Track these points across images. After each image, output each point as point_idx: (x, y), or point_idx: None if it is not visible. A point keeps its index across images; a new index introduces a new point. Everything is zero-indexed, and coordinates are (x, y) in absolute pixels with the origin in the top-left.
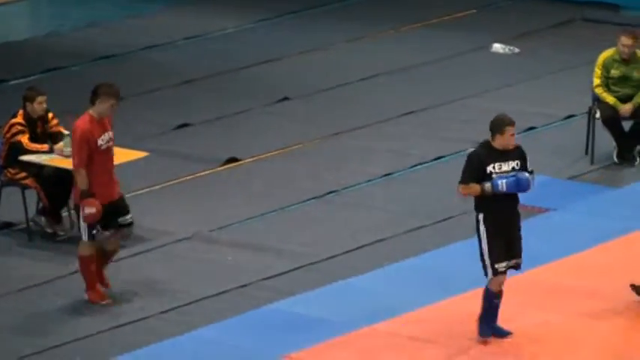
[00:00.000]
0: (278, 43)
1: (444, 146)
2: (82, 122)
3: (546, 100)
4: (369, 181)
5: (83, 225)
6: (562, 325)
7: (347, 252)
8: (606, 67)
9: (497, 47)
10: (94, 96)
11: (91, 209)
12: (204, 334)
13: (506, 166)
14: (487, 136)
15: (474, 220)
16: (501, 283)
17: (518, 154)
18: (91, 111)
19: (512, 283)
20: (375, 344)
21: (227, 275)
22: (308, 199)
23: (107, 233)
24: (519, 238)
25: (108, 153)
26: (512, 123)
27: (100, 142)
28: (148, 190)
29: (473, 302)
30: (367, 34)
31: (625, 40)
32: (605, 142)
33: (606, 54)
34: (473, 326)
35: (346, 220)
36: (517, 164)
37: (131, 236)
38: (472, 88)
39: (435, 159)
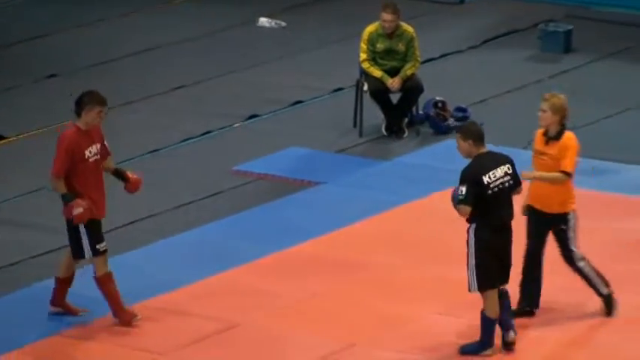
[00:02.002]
0: (49, 18)
1: (213, 121)
2: (70, 132)
3: (314, 73)
4: (140, 156)
5: (85, 242)
6: (331, 298)
7: (117, 228)
8: (372, 42)
9: (264, 21)
10: (79, 107)
11: (78, 209)
12: None
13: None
14: (254, 110)
15: (240, 194)
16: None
17: None
18: (77, 122)
19: (283, 258)
20: (147, 320)
21: None
22: None
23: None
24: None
25: (97, 166)
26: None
27: (87, 154)
28: None
29: (246, 276)
30: (139, 9)
31: (385, 16)
32: (374, 115)
33: (370, 28)
34: (246, 300)
35: (115, 195)
36: None
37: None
38: (240, 62)
39: (204, 134)
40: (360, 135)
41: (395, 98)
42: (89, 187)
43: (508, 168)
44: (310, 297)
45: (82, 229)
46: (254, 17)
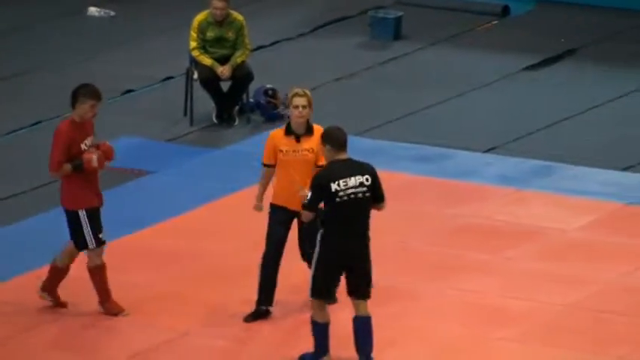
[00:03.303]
0: None
1: (42, 111)
2: (65, 125)
3: (144, 62)
4: None
5: (88, 232)
6: (163, 287)
7: None
8: (202, 30)
9: (93, 11)
10: (73, 99)
11: (93, 159)
12: None
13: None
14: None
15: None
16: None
17: None
18: (72, 115)
19: (114, 248)
20: None
21: None
22: None
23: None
24: None
25: None
26: None
27: (83, 146)
28: None
29: (76, 266)
30: None
31: (216, 4)
32: (204, 103)
33: (200, 17)
34: (77, 290)
35: None
36: None
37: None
38: (69, 52)
39: (34, 124)
40: (191, 123)
41: (225, 86)
42: (83, 178)
43: (366, 179)
44: (142, 287)
45: (84, 219)
46: (83, 6)
